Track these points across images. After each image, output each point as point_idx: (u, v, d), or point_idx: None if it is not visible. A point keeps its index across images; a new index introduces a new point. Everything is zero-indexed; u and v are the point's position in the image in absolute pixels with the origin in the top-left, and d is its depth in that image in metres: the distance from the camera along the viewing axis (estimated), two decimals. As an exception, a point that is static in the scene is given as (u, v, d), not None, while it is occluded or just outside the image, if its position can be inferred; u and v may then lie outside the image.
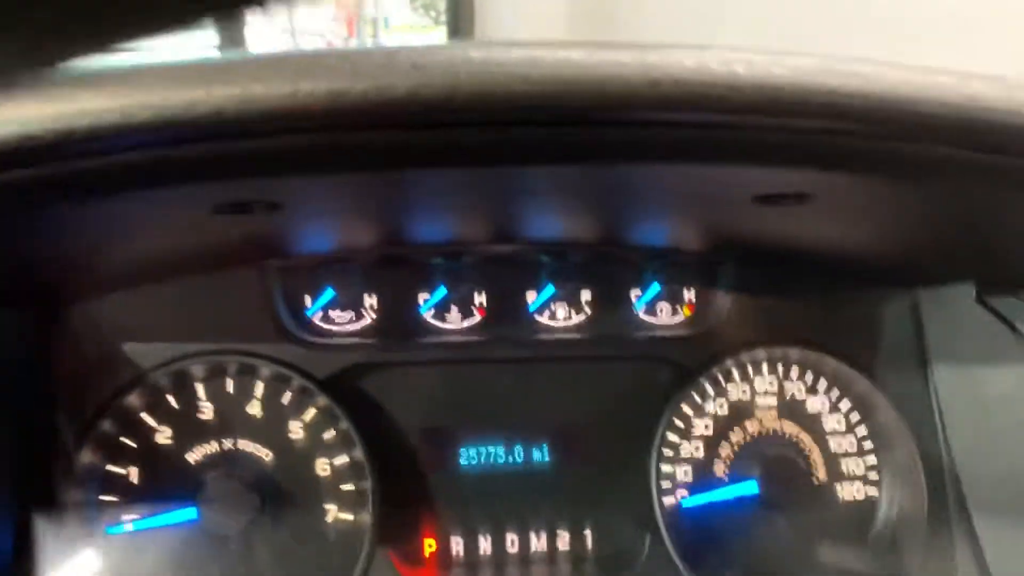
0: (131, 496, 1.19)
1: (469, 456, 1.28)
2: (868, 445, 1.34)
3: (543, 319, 1.30)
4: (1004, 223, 1.01)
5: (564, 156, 0.78)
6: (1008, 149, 0.77)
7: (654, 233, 1.25)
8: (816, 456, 1.32)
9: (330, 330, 1.26)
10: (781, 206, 0.92)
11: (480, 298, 1.29)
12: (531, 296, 1.30)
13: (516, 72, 0.65)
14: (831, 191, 0.89)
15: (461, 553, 1.26)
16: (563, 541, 1.28)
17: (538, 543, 1.28)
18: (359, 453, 1.21)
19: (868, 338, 1.33)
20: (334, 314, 1.26)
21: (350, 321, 1.26)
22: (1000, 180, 0.84)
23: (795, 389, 1.34)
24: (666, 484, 1.29)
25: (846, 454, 1.33)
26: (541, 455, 1.30)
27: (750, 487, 1.28)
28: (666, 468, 1.29)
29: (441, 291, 1.27)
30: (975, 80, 0.75)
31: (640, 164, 0.81)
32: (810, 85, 0.70)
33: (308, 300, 1.26)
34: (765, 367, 1.33)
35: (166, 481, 1.19)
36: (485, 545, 1.27)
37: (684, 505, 1.28)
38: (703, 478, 1.30)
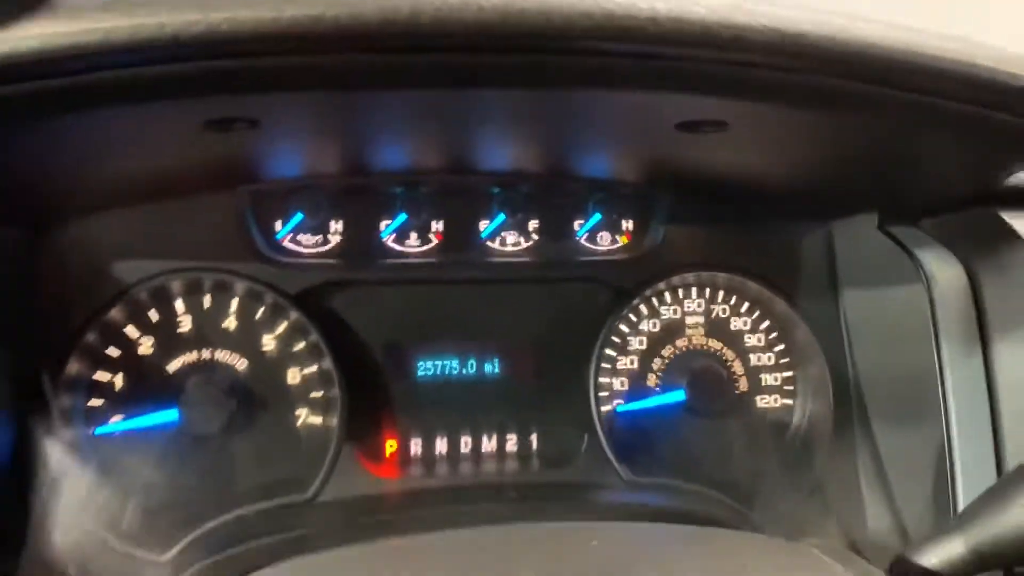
0: (117, 401, 1.30)
1: (426, 368, 1.41)
2: (785, 360, 1.50)
3: (494, 244, 1.43)
4: (900, 155, 1.15)
5: (510, 80, 0.89)
6: (890, 82, 0.91)
7: (595, 165, 1.38)
8: (738, 369, 1.48)
9: (299, 251, 1.37)
10: (701, 133, 1.05)
11: (437, 225, 1.41)
12: (483, 224, 1.42)
13: (472, 2, 0.77)
14: (745, 119, 1.02)
15: (419, 452, 1.40)
16: (511, 442, 1.42)
17: (488, 444, 1.42)
18: (328, 363, 1.33)
19: (787, 265, 1.48)
20: (302, 237, 1.37)
21: (317, 244, 1.38)
22: (888, 112, 0.98)
23: (720, 310, 1.49)
24: (604, 393, 1.44)
25: (765, 368, 1.49)
26: (492, 367, 1.43)
27: (678, 395, 1.43)
28: (604, 379, 1.44)
29: (401, 217, 1.39)
30: (861, 21, 0.88)
31: (576, 89, 0.93)
32: (720, 21, 0.83)
33: (279, 224, 1.36)
34: (694, 290, 1.48)
35: (149, 387, 1.30)
36: (441, 445, 1.41)
37: (619, 411, 1.43)
38: (637, 388, 1.45)
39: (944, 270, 1.26)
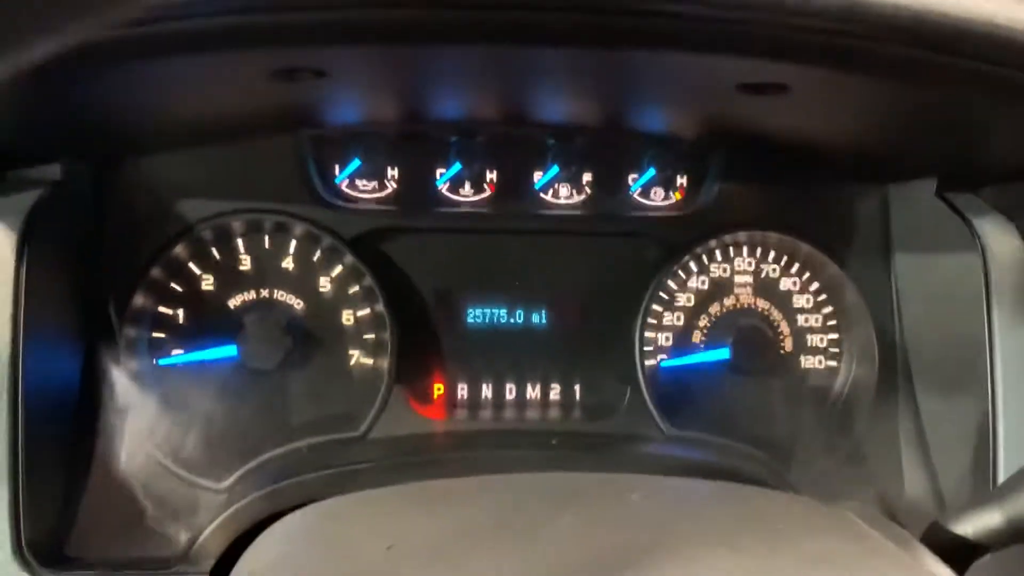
0: (179, 334, 1.35)
1: (475, 315, 1.44)
2: (832, 323, 1.50)
3: (547, 196, 1.44)
4: (963, 122, 1.13)
5: (572, 39, 0.90)
6: (959, 50, 0.90)
7: (652, 121, 1.38)
8: (784, 330, 1.49)
9: (356, 196, 1.40)
10: (763, 95, 1.04)
11: (491, 175, 1.43)
12: (537, 175, 1.44)
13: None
14: (807, 83, 1.01)
15: (465, 396, 1.44)
16: (555, 391, 1.46)
17: (533, 392, 1.45)
18: (380, 307, 1.37)
19: (840, 227, 1.47)
20: (360, 182, 1.40)
21: (374, 190, 1.40)
22: (954, 80, 0.97)
23: (770, 270, 1.49)
24: (649, 348, 1.46)
25: (811, 329, 1.50)
26: (540, 318, 1.46)
27: (722, 353, 1.45)
28: (649, 334, 1.46)
29: (456, 166, 1.41)
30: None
31: (638, 50, 0.93)
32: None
33: (337, 168, 1.39)
34: (745, 249, 1.48)
35: (209, 322, 1.36)
36: (487, 391, 1.44)
37: (663, 366, 1.45)
38: (682, 344, 1.47)
39: (1001, 240, 1.25)
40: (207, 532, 1.12)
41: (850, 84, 1.01)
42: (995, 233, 1.26)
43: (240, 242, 1.37)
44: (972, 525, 0.96)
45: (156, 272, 1.33)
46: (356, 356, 1.39)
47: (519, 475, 0.97)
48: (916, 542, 0.91)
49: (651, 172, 1.45)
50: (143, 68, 0.90)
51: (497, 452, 1.25)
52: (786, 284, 1.49)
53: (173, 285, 1.35)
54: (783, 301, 1.49)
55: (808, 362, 1.50)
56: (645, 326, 1.44)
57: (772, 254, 1.49)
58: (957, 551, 0.96)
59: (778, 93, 1.03)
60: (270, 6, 0.77)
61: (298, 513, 0.90)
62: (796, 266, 1.49)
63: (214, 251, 1.36)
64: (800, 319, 1.50)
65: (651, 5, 0.83)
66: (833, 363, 1.50)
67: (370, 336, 1.39)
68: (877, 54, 0.91)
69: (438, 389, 1.44)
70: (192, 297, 1.36)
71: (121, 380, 1.26)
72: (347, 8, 0.79)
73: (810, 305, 1.50)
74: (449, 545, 0.79)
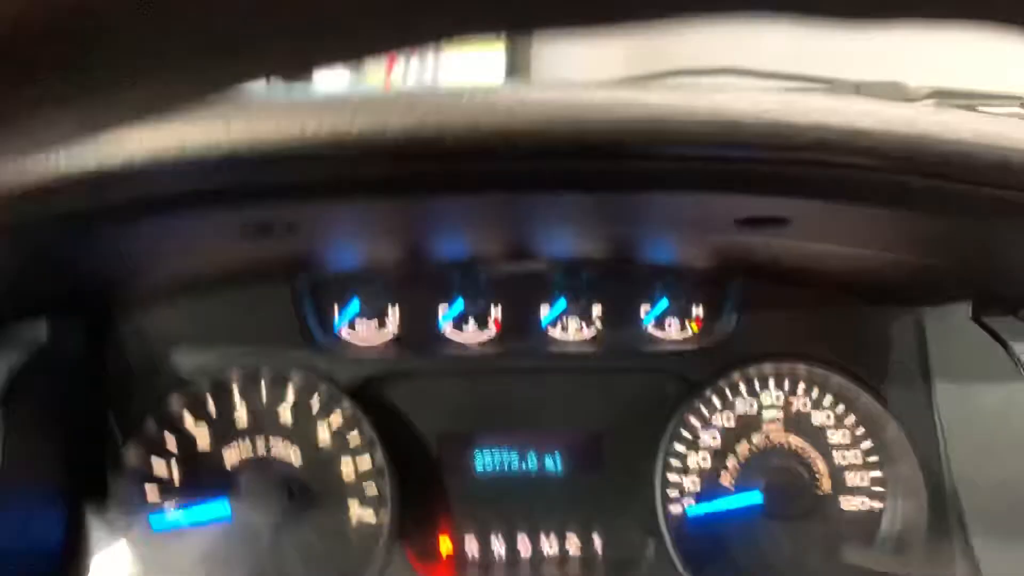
0: (172, 493, 1.29)
1: (484, 462, 1.36)
2: (873, 459, 1.38)
3: (555, 332, 1.37)
4: (989, 246, 1.05)
5: (560, 185, 0.85)
6: (968, 178, 0.83)
7: (661, 251, 1.32)
8: (821, 468, 1.37)
9: (356, 342, 1.35)
10: (764, 229, 0.98)
11: (496, 312, 1.37)
12: (544, 310, 1.37)
13: (499, 118, 0.73)
14: (807, 215, 0.94)
15: (476, 554, 1.34)
16: (573, 545, 1.35)
17: (549, 546, 1.35)
18: (381, 457, 1.29)
19: (873, 355, 1.37)
20: (359, 325, 1.35)
21: (374, 332, 1.35)
22: (969, 207, 0.89)
23: (801, 404, 1.38)
24: (673, 493, 1.35)
25: (851, 467, 1.37)
26: (553, 463, 1.37)
27: (754, 497, 1.33)
28: (674, 477, 1.35)
29: (459, 305, 1.35)
30: (929, 113, 0.80)
31: (625, 193, 0.88)
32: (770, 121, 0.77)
33: (336, 312, 1.35)
34: (772, 382, 1.38)
35: (204, 480, 1.29)
36: (498, 546, 1.34)
37: (690, 513, 1.34)
38: (709, 488, 1.36)
39: (1048, 368, 1.14)
40: None
41: (855, 213, 0.94)
42: (1041, 360, 1.15)
43: (237, 393, 1.32)
44: None
45: (150, 426, 1.28)
46: (356, 511, 1.31)
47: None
48: None
49: (664, 303, 1.37)
50: (119, 232, 0.88)
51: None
52: (819, 418, 1.38)
53: (168, 441, 1.30)
54: (817, 437, 1.38)
55: (849, 503, 1.37)
56: (668, 469, 1.34)
57: (802, 386, 1.39)
58: None
59: (778, 226, 0.96)
60: (218, 171, 0.73)
61: None
62: (829, 398, 1.38)
63: (210, 404, 1.31)
64: (837, 456, 1.38)
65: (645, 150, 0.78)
66: (877, 503, 1.37)
67: (371, 489, 1.31)
68: (879, 184, 0.85)
69: (445, 545, 1.34)
70: (187, 454, 1.30)
71: (108, 542, 1.20)
72: (301, 167, 0.75)
73: (847, 440, 1.38)
74: None
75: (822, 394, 1.38)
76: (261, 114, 0.74)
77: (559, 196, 0.91)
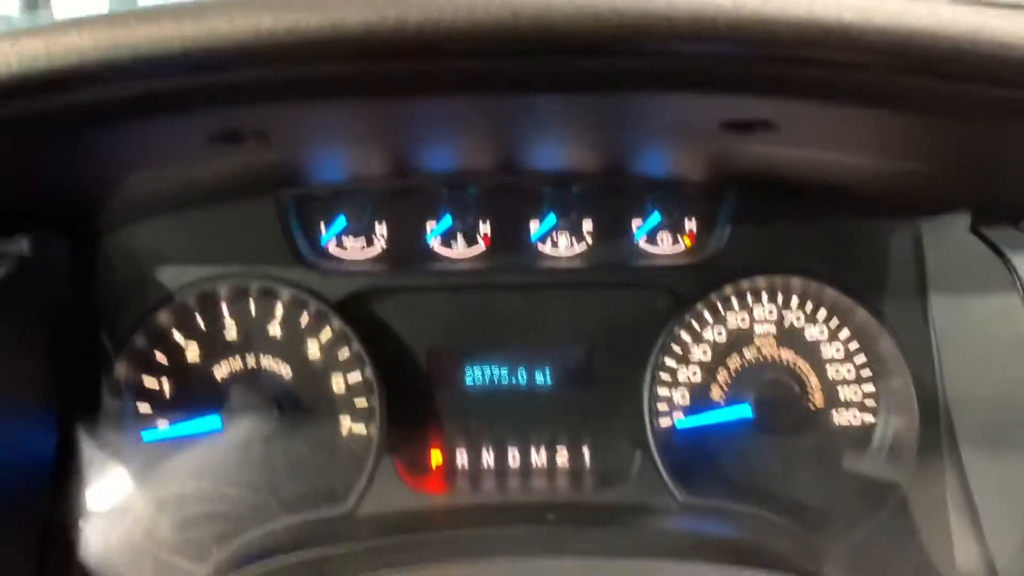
0: (162, 407, 1.30)
1: (474, 377, 1.36)
2: (866, 373, 1.36)
3: (545, 248, 1.35)
4: (987, 153, 1.02)
5: (539, 85, 0.82)
6: (957, 75, 0.79)
7: (652, 164, 1.29)
8: (813, 383, 1.36)
9: (343, 257, 1.33)
10: (751, 134, 0.95)
11: (484, 227, 1.35)
12: (534, 225, 1.35)
13: (463, 12, 0.70)
14: (797, 119, 0.91)
15: (465, 465, 1.35)
16: (562, 457, 1.35)
17: (538, 458, 1.35)
18: (370, 371, 1.29)
19: (869, 268, 1.34)
20: (347, 241, 1.34)
21: (362, 248, 1.34)
22: (963, 108, 0.86)
23: (794, 318, 1.36)
24: (663, 407, 1.35)
25: (844, 381, 1.36)
26: (543, 377, 1.36)
27: (744, 411, 1.32)
28: (663, 392, 1.35)
29: (447, 220, 1.33)
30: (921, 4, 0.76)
31: (603, 94, 0.85)
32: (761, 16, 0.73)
33: (323, 227, 1.33)
34: (765, 296, 1.36)
35: (194, 393, 1.30)
36: (488, 459, 1.35)
37: (678, 426, 1.34)
38: (699, 401, 1.35)
39: (1047, 279, 1.11)
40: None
41: (845, 117, 0.91)
42: (1037, 271, 1.12)
43: (225, 308, 1.32)
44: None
45: (139, 341, 1.29)
46: (347, 424, 1.32)
47: (478, 563, 0.88)
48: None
49: (656, 217, 1.35)
50: (77, 137, 0.86)
51: (488, 531, 1.15)
52: (812, 333, 1.37)
53: (157, 355, 1.30)
54: (810, 352, 1.36)
55: (841, 417, 1.36)
56: (656, 382, 1.33)
57: (795, 300, 1.36)
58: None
59: (766, 131, 0.93)
60: (208, 66, 0.71)
61: None
62: (823, 313, 1.36)
63: (198, 318, 1.31)
64: (831, 370, 1.36)
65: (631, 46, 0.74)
66: (869, 417, 1.36)
67: (362, 403, 1.32)
68: (866, 83, 0.81)
69: (436, 458, 1.35)
70: (176, 368, 1.31)
71: (99, 456, 1.21)
72: (261, 66, 0.72)
73: (841, 355, 1.37)
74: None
75: (816, 308, 1.36)
76: (214, 12, 0.71)
77: (534, 97, 0.88)
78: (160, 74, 0.72)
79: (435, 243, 1.34)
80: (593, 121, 1.02)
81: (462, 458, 1.35)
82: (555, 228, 1.35)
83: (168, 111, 0.79)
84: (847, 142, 1.02)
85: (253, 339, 1.32)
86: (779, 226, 1.34)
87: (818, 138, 1.00)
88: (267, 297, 1.32)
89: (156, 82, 0.74)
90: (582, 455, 1.36)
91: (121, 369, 1.28)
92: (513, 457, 1.35)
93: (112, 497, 1.20)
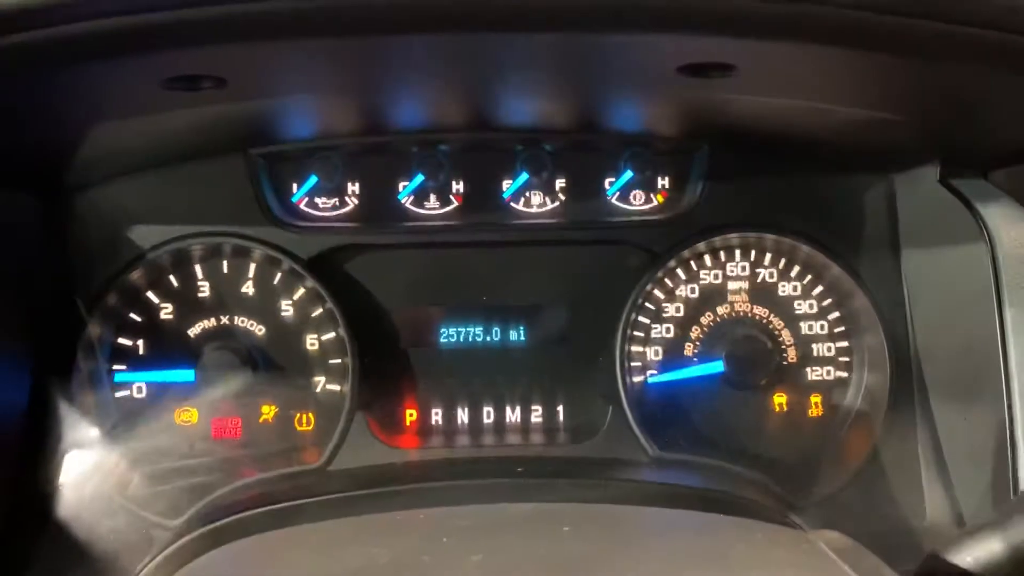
0: (136, 365, 1.30)
1: (448, 335, 1.36)
2: (839, 329, 1.37)
3: (518, 206, 1.35)
4: (953, 96, 1.01)
5: (509, 22, 0.82)
6: (937, 15, 0.79)
7: (623, 118, 1.28)
8: (786, 338, 1.36)
9: (315, 215, 1.34)
10: (708, 78, 0.94)
11: (457, 185, 1.35)
12: (506, 183, 1.35)
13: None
14: (755, 61, 0.91)
15: (439, 422, 1.35)
16: (535, 413, 1.36)
17: (512, 415, 1.36)
18: (343, 330, 1.29)
19: (844, 224, 1.34)
20: (319, 200, 1.34)
21: (334, 207, 1.34)
22: (918, 47, 0.85)
23: (767, 274, 1.37)
24: (636, 363, 1.35)
25: (817, 338, 1.37)
26: (517, 335, 1.37)
27: (716, 366, 1.33)
28: (636, 348, 1.35)
29: (419, 178, 1.33)
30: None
31: (573, 31, 0.84)
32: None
33: (294, 187, 1.33)
34: (738, 252, 1.37)
35: (168, 351, 1.30)
36: (462, 415, 1.36)
37: (650, 382, 1.34)
38: (672, 358, 1.36)
39: (1012, 228, 1.11)
40: (146, 571, 1.06)
41: (805, 58, 0.90)
42: (1005, 221, 1.12)
43: (198, 268, 1.32)
44: (971, 554, 0.83)
45: (112, 300, 1.29)
46: (321, 383, 1.32)
47: (444, 510, 0.88)
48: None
49: (629, 174, 1.35)
50: (29, 82, 0.85)
51: (459, 483, 1.15)
52: (786, 289, 1.37)
53: (130, 315, 1.31)
54: (783, 308, 1.37)
55: (815, 373, 1.37)
56: (629, 339, 1.34)
57: (768, 257, 1.37)
58: (957, 584, 0.83)
59: (724, 74, 0.93)
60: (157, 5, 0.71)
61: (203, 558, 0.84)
62: (796, 269, 1.37)
63: (172, 278, 1.31)
64: (804, 326, 1.37)
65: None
66: (843, 373, 1.36)
67: (336, 361, 1.32)
68: (828, 20, 0.81)
69: (410, 415, 1.35)
70: (150, 327, 1.31)
71: (73, 413, 1.22)
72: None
73: (814, 311, 1.37)
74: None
75: (789, 264, 1.37)
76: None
77: (497, 36, 0.87)
78: (105, 10, 0.72)
79: (407, 201, 1.34)
80: (553, 65, 1.01)
81: (436, 415, 1.36)
82: (527, 186, 1.35)
83: (118, 52, 0.79)
84: (809, 88, 1.02)
85: (226, 298, 1.32)
86: (752, 182, 1.35)
87: (779, 83, 1.00)
88: (239, 256, 1.32)
89: (102, 21, 0.74)
90: (556, 412, 1.36)
91: (94, 328, 1.28)
92: (487, 414, 1.36)
93: (85, 454, 1.20)
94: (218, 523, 1.07)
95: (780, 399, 1.35)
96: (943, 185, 1.19)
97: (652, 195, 1.36)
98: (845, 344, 1.37)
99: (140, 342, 1.31)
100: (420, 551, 0.78)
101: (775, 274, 1.37)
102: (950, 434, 1.23)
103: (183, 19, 0.76)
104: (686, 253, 1.34)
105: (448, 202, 1.35)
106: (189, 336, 1.31)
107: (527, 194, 1.35)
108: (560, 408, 1.36)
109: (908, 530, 1.26)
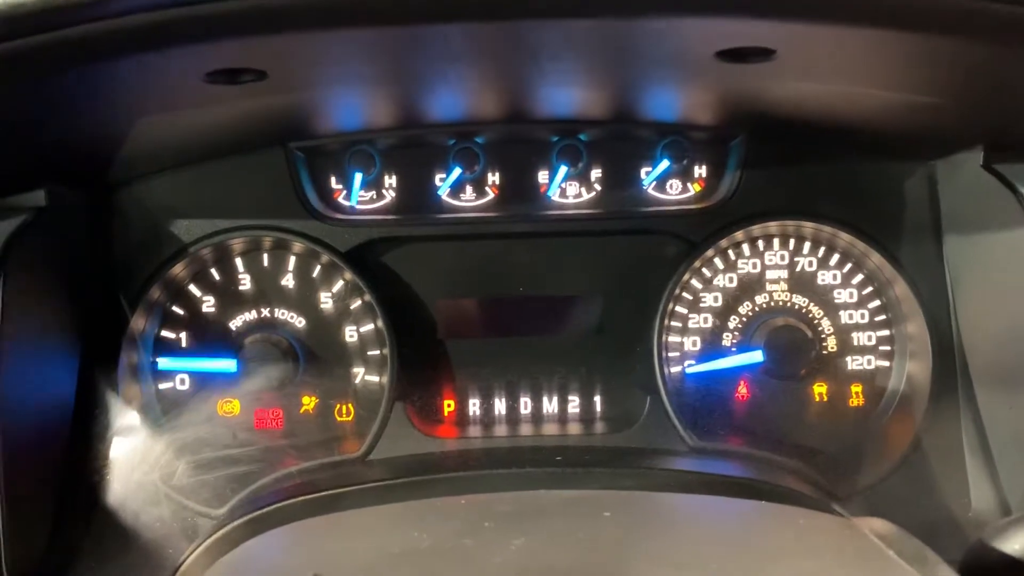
0: (181, 357, 1.32)
1: (485, 325, 1.36)
2: (881, 318, 1.35)
3: (554, 196, 1.35)
4: (999, 79, 1.00)
5: (523, 11, 0.82)
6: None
7: (660, 107, 1.28)
8: (826, 328, 1.35)
9: (353, 207, 1.35)
10: (749, 63, 0.93)
11: (493, 177, 1.35)
12: (542, 174, 1.35)
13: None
14: (793, 45, 0.90)
15: (477, 412, 1.36)
16: (573, 404, 1.36)
17: (549, 405, 1.36)
18: (382, 321, 1.30)
19: (884, 211, 1.33)
20: (357, 192, 1.35)
21: (372, 200, 1.35)
22: (966, 28, 0.84)
23: (806, 263, 1.35)
24: (674, 353, 1.35)
25: (858, 327, 1.35)
26: (554, 325, 1.37)
27: (755, 356, 1.32)
28: (674, 339, 1.35)
29: (456, 170, 1.33)
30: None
31: (609, 16, 0.84)
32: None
33: (333, 180, 1.35)
34: (776, 241, 1.36)
35: (211, 344, 1.32)
36: (500, 405, 1.36)
37: (689, 372, 1.34)
38: (710, 348, 1.35)
39: (1058, 212, 1.09)
40: (190, 559, 1.07)
41: (845, 41, 0.89)
42: (1051, 205, 1.10)
43: (239, 261, 1.34)
44: (1020, 543, 0.82)
45: (155, 293, 1.31)
46: (360, 374, 1.34)
47: (485, 496, 0.89)
48: (940, 563, 0.78)
49: (665, 163, 1.34)
50: (76, 77, 0.87)
51: (497, 472, 1.16)
52: (825, 278, 1.36)
53: (174, 308, 1.33)
54: (823, 296, 1.35)
55: (856, 362, 1.35)
56: (666, 329, 1.33)
57: (807, 245, 1.36)
58: (1007, 572, 0.82)
59: (764, 59, 0.92)
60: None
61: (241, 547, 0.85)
62: (836, 257, 1.35)
63: (213, 272, 1.33)
64: (844, 315, 1.35)
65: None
66: (884, 362, 1.35)
67: (375, 353, 1.33)
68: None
69: (448, 405, 1.36)
70: (192, 319, 1.33)
71: (118, 404, 1.24)
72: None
73: (854, 300, 1.35)
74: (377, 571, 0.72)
75: (829, 252, 1.35)
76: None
77: (535, 24, 0.87)
78: (146, 4, 0.73)
79: (444, 193, 1.35)
80: (591, 53, 1.01)
81: (474, 405, 1.36)
82: (564, 176, 1.35)
83: (160, 46, 0.81)
84: (850, 72, 1.01)
85: (267, 290, 1.34)
86: (790, 170, 1.33)
87: (819, 68, 0.99)
88: (279, 249, 1.34)
89: (144, 15, 0.75)
90: (593, 402, 1.36)
91: (138, 321, 1.30)
92: (524, 404, 1.36)
93: (131, 444, 1.22)
94: (259, 511, 1.09)
95: (820, 389, 1.34)
96: (987, 170, 1.17)
97: (689, 184, 1.36)
98: (886, 333, 1.35)
99: (183, 334, 1.33)
100: (461, 535, 0.78)
101: (814, 263, 1.36)
102: (994, 422, 1.20)
103: (223, 11, 0.77)
104: (724, 242, 1.33)
105: (484, 194, 1.35)
106: (231, 328, 1.33)
107: (563, 185, 1.35)
108: (597, 398, 1.36)
109: (953, 520, 1.24)
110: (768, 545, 0.77)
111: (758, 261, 1.36)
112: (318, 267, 1.34)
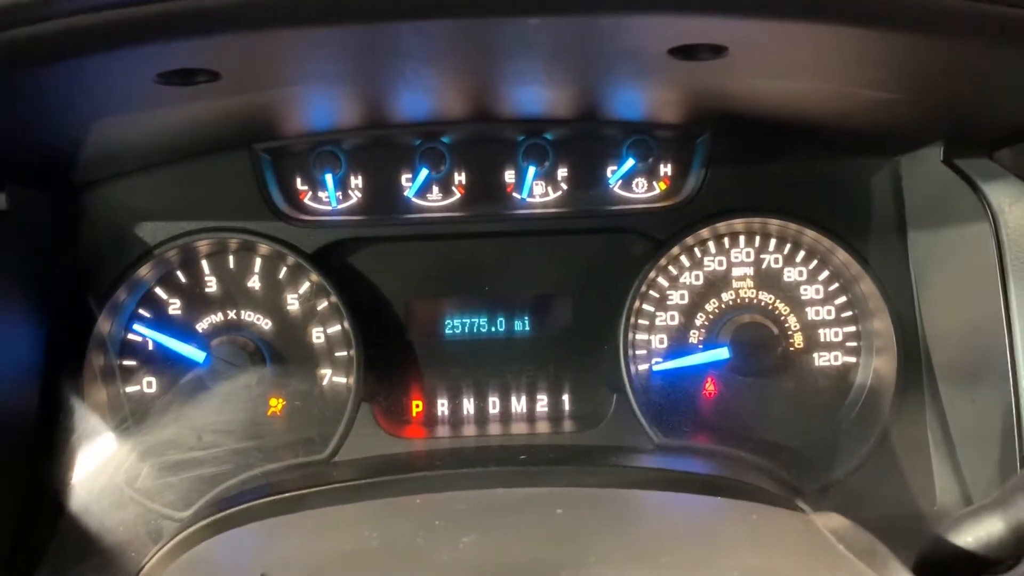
0: (147, 360, 1.32)
1: (453, 326, 1.37)
2: (847, 314, 1.36)
3: (520, 196, 1.35)
4: (956, 75, 1.00)
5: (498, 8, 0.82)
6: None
7: (624, 106, 1.28)
8: (792, 324, 1.35)
9: (319, 208, 1.34)
10: (702, 60, 0.94)
11: (459, 177, 1.35)
12: (508, 174, 1.35)
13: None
14: (746, 42, 0.90)
15: (445, 412, 1.36)
16: (540, 403, 1.36)
17: (517, 404, 1.36)
18: (348, 322, 1.30)
19: (849, 208, 1.33)
20: (322, 194, 1.35)
21: (338, 200, 1.35)
22: (920, 25, 0.85)
23: (772, 260, 1.36)
24: (640, 351, 1.35)
25: (824, 323, 1.36)
26: (522, 325, 1.37)
27: (721, 353, 1.32)
28: (641, 336, 1.35)
29: (422, 170, 1.33)
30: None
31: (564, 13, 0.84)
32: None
33: (298, 181, 1.34)
34: (742, 239, 1.36)
35: (177, 347, 1.31)
36: (468, 406, 1.36)
37: (656, 370, 1.34)
38: (677, 345, 1.35)
39: (1016, 207, 1.10)
40: (152, 561, 1.07)
41: (796, 37, 0.90)
42: (1009, 200, 1.10)
43: (205, 263, 1.33)
44: (972, 535, 0.82)
45: (121, 296, 1.30)
46: (328, 375, 1.33)
47: (441, 495, 0.89)
48: (889, 557, 0.78)
49: (631, 162, 1.34)
50: (23, 80, 0.87)
51: (459, 471, 1.16)
52: (791, 275, 1.36)
53: (140, 310, 1.33)
54: (789, 293, 1.36)
55: (823, 358, 1.36)
56: (633, 327, 1.34)
57: (773, 242, 1.36)
58: (961, 565, 0.83)
59: (716, 56, 0.92)
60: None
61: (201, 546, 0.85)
62: (802, 254, 1.36)
63: (179, 274, 1.33)
64: (810, 312, 1.36)
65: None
66: (850, 358, 1.35)
67: (342, 354, 1.33)
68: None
69: (416, 406, 1.36)
70: (159, 322, 1.33)
71: (83, 407, 1.24)
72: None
73: (820, 296, 1.36)
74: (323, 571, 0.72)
75: (795, 249, 1.36)
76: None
77: (494, 21, 0.87)
78: (91, 5, 0.73)
79: (411, 194, 1.35)
80: (547, 51, 1.00)
81: (442, 405, 1.36)
82: (530, 176, 1.35)
83: (108, 47, 0.80)
84: (804, 68, 1.01)
85: (233, 292, 1.33)
86: (755, 168, 1.34)
87: (774, 65, 0.99)
88: (245, 251, 1.33)
89: (88, 16, 0.75)
90: (561, 400, 1.37)
91: (104, 324, 1.30)
92: (493, 404, 1.36)
93: (96, 447, 1.22)
94: (222, 514, 1.08)
95: (787, 385, 1.34)
96: (947, 165, 1.18)
97: (654, 183, 1.36)
98: (852, 329, 1.36)
99: (149, 337, 1.33)
100: (413, 534, 0.78)
101: (780, 259, 1.36)
102: (959, 417, 1.21)
103: (169, 11, 0.77)
104: (689, 239, 1.34)
105: (451, 193, 1.35)
106: (197, 330, 1.33)
107: (529, 184, 1.35)
108: (565, 397, 1.37)
109: (919, 514, 1.25)
110: (719, 539, 0.77)
111: (724, 258, 1.36)
112: (284, 268, 1.34)
